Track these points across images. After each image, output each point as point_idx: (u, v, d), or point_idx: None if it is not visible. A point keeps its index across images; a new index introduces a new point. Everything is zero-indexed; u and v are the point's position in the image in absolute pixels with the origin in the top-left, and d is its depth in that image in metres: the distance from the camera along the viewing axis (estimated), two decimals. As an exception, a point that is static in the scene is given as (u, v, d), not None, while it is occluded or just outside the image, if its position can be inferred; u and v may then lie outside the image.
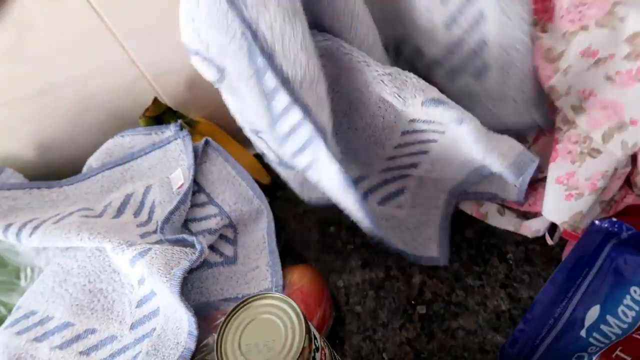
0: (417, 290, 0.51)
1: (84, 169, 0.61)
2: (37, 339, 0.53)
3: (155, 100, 0.59)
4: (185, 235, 0.51)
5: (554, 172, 0.45)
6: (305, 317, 0.37)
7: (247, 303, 0.39)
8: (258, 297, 0.39)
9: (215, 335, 0.37)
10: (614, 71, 0.42)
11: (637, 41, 0.40)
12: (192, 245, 0.51)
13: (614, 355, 0.37)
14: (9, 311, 0.56)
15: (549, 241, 0.49)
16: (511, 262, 0.50)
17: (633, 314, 0.39)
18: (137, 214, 0.56)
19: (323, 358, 0.39)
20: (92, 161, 0.60)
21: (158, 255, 0.48)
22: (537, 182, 0.51)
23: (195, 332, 0.46)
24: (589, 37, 0.42)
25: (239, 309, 0.38)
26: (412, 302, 0.51)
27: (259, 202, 0.58)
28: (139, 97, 0.61)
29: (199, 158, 0.57)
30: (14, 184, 0.60)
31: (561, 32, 0.43)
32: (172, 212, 0.52)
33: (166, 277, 0.46)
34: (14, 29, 0.54)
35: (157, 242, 0.52)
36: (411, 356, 0.47)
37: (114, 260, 0.53)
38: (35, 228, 0.55)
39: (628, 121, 0.42)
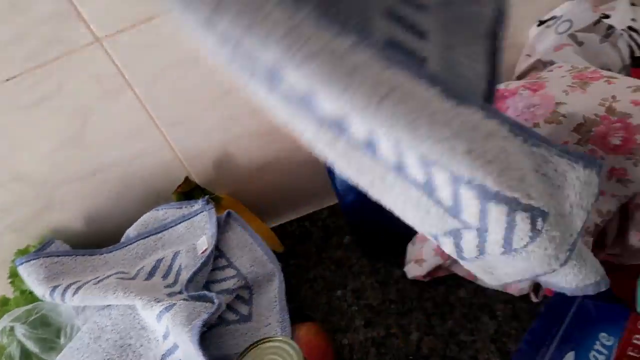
0: (415, 347, 0.55)
1: (123, 239, 0.70)
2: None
3: (187, 179, 0.69)
4: (205, 292, 0.58)
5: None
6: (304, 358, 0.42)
7: (256, 346, 0.45)
8: (264, 340, 0.45)
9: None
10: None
11: (582, 130, 0.48)
12: (212, 301, 0.57)
13: (584, 394, 0.40)
14: (48, 367, 0.62)
15: (533, 299, 0.53)
16: (500, 318, 0.54)
17: (603, 357, 0.43)
18: (165, 276, 0.64)
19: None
20: (130, 231, 0.69)
21: (182, 308, 0.55)
22: (520, 245, 0.57)
23: None
24: (541, 132, 0.50)
25: (248, 350, 0.44)
26: (411, 357, 0.55)
27: (272, 266, 0.64)
28: (173, 176, 0.71)
29: (222, 227, 0.66)
30: (62, 251, 0.69)
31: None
32: (195, 273, 0.60)
33: (187, 327, 0.52)
34: (78, 119, 0.66)
35: (181, 300, 0.58)
36: (408, 407, 0.51)
37: (143, 316, 0.59)
38: (78, 289, 0.63)
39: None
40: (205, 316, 0.54)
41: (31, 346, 0.61)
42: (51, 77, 0.63)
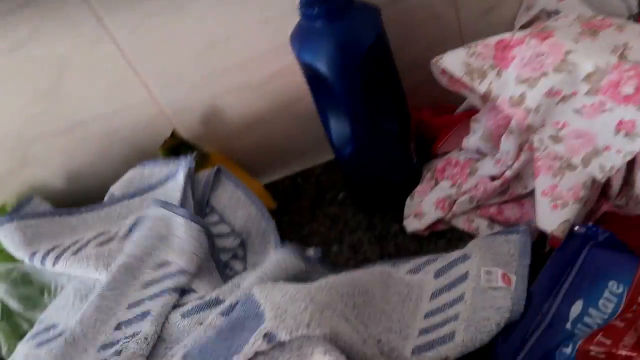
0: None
1: (106, 197, 0.66)
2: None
3: (173, 132, 0.66)
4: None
5: (539, 186, 0.50)
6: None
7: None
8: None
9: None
10: (580, 105, 0.47)
11: (592, 79, 0.46)
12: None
13: (595, 340, 0.40)
14: (31, 327, 0.59)
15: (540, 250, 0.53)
16: (502, 271, 0.54)
17: (612, 305, 0.43)
18: None
19: None
20: (114, 189, 0.65)
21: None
22: (522, 198, 0.56)
23: None
24: (550, 81, 0.48)
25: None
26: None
27: (266, 224, 0.62)
28: (159, 131, 0.67)
29: (212, 184, 0.63)
30: (38, 213, 0.65)
31: (521, 78, 0.49)
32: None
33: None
34: (55, 70, 0.61)
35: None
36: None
37: None
38: (57, 258, 0.59)
39: (602, 147, 0.47)
40: None
41: (13, 305, 0.58)
42: (23, 23, 0.57)
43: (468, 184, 0.56)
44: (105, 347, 0.52)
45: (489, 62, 0.51)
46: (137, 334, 0.51)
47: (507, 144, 0.52)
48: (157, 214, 0.58)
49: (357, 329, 0.42)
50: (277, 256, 0.54)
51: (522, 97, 0.46)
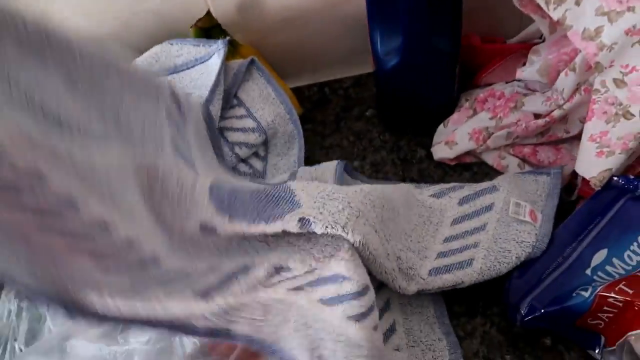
0: (432, 226, 0.54)
1: (129, 70, 0.63)
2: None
3: (208, 13, 0.61)
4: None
5: (588, 130, 0.48)
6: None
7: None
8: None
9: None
10: (657, 50, 0.44)
11: None
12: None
13: (617, 288, 0.40)
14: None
15: (565, 197, 0.52)
16: (525, 211, 0.53)
17: (638, 258, 0.43)
18: None
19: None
20: (139, 62, 0.62)
21: None
22: (560, 142, 0.55)
23: None
24: (634, 18, 0.44)
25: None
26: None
27: (293, 127, 0.60)
28: (192, 9, 0.62)
29: (243, 75, 0.60)
30: None
31: (602, 10, 0.45)
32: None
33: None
34: None
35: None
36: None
37: None
38: None
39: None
40: None
41: None
42: None
43: (509, 119, 0.54)
44: None
45: (571, -15, 0.47)
46: None
47: (565, 81, 0.49)
48: None
49: (383, 242, 0.41)
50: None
51: (598, 31, 0.43)
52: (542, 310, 0.42)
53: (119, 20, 0.65)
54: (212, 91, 0.55)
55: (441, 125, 0.60)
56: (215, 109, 0.55)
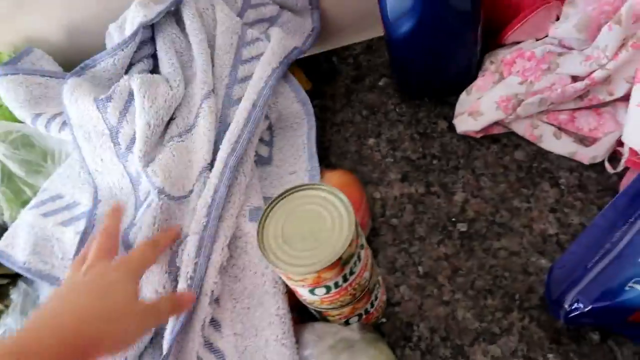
0: (458, 208, 0.49)
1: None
2: (64, 223, 0.52)
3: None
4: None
5: (638, 93, 0.41)
6: (354, 211, 0.34)
7: (291, 193, 0.37)
8: (302, 188, 0.37)
9: (257, 225, 0.35)
10: None
11: None
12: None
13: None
14: (34, 193, 0.54)
15: (609, 169, 0.46)
16: (563, 187, 0.48)
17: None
18: None
19: (367, 258, 0.37)
20: (113, 29, 0.56)
21: None
22: (602, 106, 0.48)
23: None
24: None
25: (282, 198, 0.36)
26: (453, 219, 0.48)
27: (300, 107, 0.55)
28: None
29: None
30: (48, 71, 0.58)
31: None
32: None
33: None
34: None
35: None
36: (448, 272, 0.46)
37: None
38: (64, 124, 0.53)
39: None
40: None
41: (15, 168, 0.53)
42: None
43: (542, 83, 0.48)
44: None
45: None
46: None
47: (608, 36, 0.42)
48: None
49: None
50: None
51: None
52: (590, 307, 0.37)
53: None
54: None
55: (464, 93, 0.53)
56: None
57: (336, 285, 0.35)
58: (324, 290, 0.35)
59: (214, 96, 0.50)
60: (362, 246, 0.36)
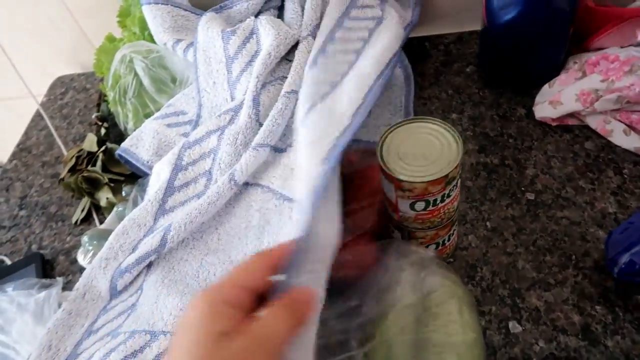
0: (528, 180, 0.55)
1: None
2: (185, 135, 0.59)
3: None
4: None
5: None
6: (462, 143, 0.41)
7: (408, 122, 0.44)
8: (418, 119, 0.43)
9: (378, 143, 0.42)
10: None
11: None
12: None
13: None
14: (157, 109, 0.62)
15: (671, 165, 0.52)
16: (626, 176, 0.54)
17: None
18: None
19: (458, 192, 0.44)
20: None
21: None
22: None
23: None
24: None
25: (400, 125, 0.43)
26: (522, 188, 0.55)
27: (401, 72, 0.62)
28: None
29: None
30: (191, 7, 0.66)
31: None
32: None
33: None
34: None
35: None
36: (513, 229, 0.52)
37: None
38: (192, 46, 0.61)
39: None
40: None
41: (147, 83, 0.61)
42: None
43: (622, 82, 0.54)
44: None
45: None
46: None
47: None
48: None
49: None
50: None
51: None
52: (642, 266, 0.43)
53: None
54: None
55: (546, 85, 0.60)
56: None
57: (434, 202, 0.42)
58: (423, 205, 0.42)
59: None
60: (458, 179, 0.43)
